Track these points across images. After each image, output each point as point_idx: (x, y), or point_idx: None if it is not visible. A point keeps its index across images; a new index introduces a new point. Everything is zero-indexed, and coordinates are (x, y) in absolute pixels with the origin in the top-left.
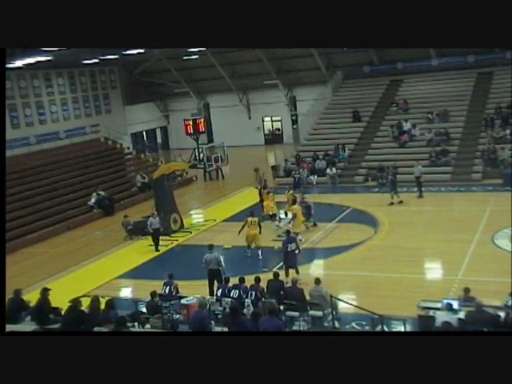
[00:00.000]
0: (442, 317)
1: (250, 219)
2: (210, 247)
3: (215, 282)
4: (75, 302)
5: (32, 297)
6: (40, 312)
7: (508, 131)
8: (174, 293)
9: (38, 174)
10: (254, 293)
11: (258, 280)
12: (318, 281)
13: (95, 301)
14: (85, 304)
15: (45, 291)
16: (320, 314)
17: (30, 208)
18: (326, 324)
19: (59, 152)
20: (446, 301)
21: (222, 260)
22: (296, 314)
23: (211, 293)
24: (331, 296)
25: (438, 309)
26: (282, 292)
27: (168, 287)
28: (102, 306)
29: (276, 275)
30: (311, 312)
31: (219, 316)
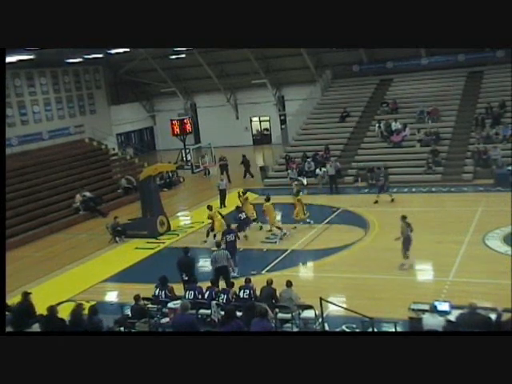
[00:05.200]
0: (428, 322)
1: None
2: (219, 245)
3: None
4: (52, 310)
5: (15, 302)
6: (21, 316)
7: (494, 130)
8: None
9: (20, 176)
10: (224, 296)
11: (231, 285)
12: (289, 283)
13: (78, 308)
14: (66, 310)
15: (26, 295)
16: (288, 316)
17: (11, 211)
18: (315, 327)
19: (42, 153)
20: (436, 303)
21: (230, 256)
22: (288, 316)
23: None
24: (321, 298)
25: (427, 311)
26: (273, 300)
27: (163, 291)
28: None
29: (270, 282)
30: (279, 315)
31: (208, 320)
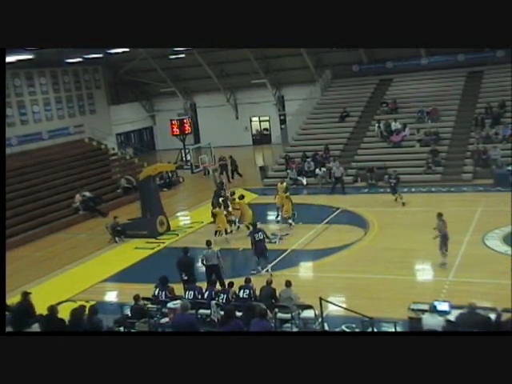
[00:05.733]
0: (428, 322)
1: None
2: (209, 243)
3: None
4: (52, 310)
5: (14, 302)
6: (20, 316)
7: (494, 130)
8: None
9: (20, 176)
10: (224, 296)
11: (231, 285)
12: (288, 283)
13: (79, 309)
14: (66, 310)
15: (25, 295)
16: (288, 316)
17: (11, 211)
18: (314, 327)
19: (42, 153)
20: (435, 303)
21: (220, 255)
22: (287, 316)
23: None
24: (321, 298)
25: (427, 310)
26: (273, 300)
27: (163, 292)
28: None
29: (269, 281)
30: (279, 314)
31: (207, 320)
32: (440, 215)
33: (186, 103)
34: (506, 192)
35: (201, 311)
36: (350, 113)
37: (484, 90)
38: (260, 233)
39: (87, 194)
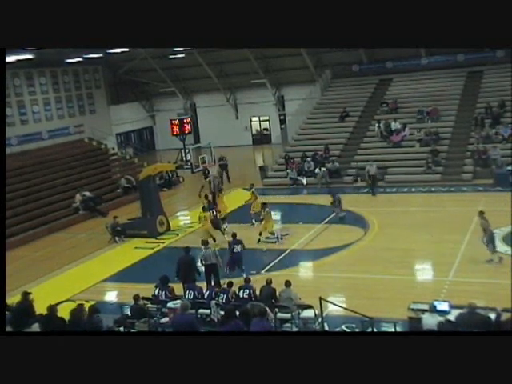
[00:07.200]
0: (427, 322)
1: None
2: (206, 243)
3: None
4: (52, 310)
5: (14, 302)
6: (20, 315)
7: (494, 130)
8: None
9: (19, 176)
10: (224, 296)
11: (230, 285)
12: (288, 283)
13: (79, 308)
14: (66, 310)
15: (25, 295)
16: (288, 316)
17: (10, 211)
18: (314, 327)
19: (42, 153)
20: (435, 303)
21: (218, 254)
22: (287, 315)
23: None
24: (320, 298)
25: (427, 310)
26: (273, 300)
27: (164, 292)
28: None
29: (269, 281)
30: (279, 314)
31: (207, 319)
32: (481, 213)
33: (186, 103)
34: (506, 192)
35: (201, 311)
36: (350, 113)
37: (484, 90)
38: (239, 245)
39: (87, 193)
